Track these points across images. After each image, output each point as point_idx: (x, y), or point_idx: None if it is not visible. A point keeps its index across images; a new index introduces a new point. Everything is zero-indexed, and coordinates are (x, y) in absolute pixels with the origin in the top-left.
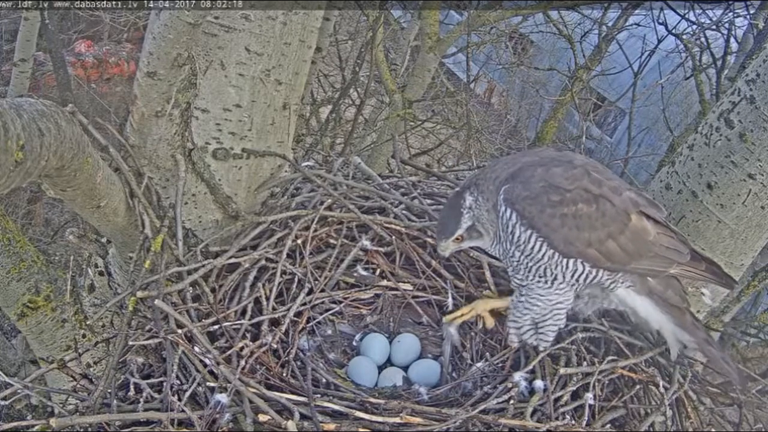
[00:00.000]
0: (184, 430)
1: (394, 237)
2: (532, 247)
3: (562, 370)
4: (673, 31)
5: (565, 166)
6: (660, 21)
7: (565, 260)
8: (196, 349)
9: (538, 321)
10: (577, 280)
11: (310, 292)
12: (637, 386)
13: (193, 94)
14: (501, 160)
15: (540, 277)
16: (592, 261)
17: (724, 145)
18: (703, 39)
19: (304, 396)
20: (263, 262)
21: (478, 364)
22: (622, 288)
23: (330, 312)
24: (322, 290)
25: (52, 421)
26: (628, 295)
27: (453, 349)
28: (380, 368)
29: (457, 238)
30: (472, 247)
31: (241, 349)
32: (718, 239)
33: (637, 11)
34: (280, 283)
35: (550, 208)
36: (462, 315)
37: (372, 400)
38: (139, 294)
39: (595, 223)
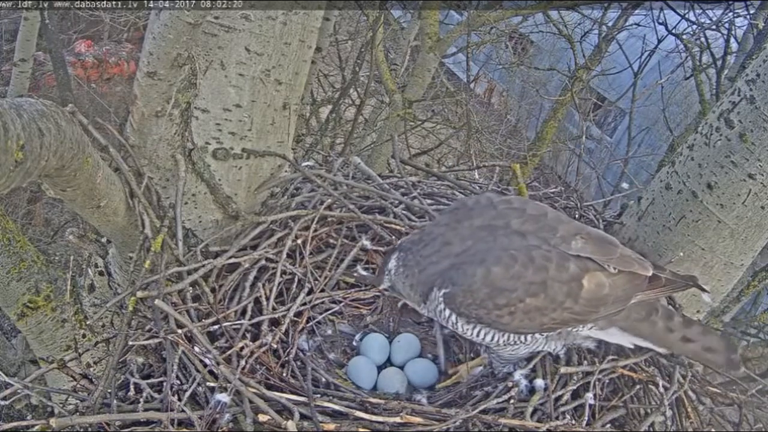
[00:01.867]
0: (184, 430)
1: (394, 237)
2: (483, 336)
3: (562, 369)
4: (673, 31)
5: (505, 257)
6: (660, 21)
7: (521, 336)
8: (196, 349)
9: (515, 361)
10: (536, 342)
11: (310, 292)
12: (637, 386)
13: (193, 94)
14: (431, 232)
15: (496, 345)
16: (551, 330)
17: (724, 145)
18: (703, 39)
19: (304, 396)
20: (263, 262)
21: (478, 369)
22: (586, 330)
23: (330, 312)
24: (322, 290)
25: (52, 421)
26: (593, 332)
27: (446, 348)
28: (380, 368)
29: (385, 290)
30: None
31: (241, 349)
32: (718, 239)
33: (637, 11)
34: (280, 283)
35: (497, 310)
36: (451, 380)
37: (372, 400)
38: (139, 294)
39: (545, 309)
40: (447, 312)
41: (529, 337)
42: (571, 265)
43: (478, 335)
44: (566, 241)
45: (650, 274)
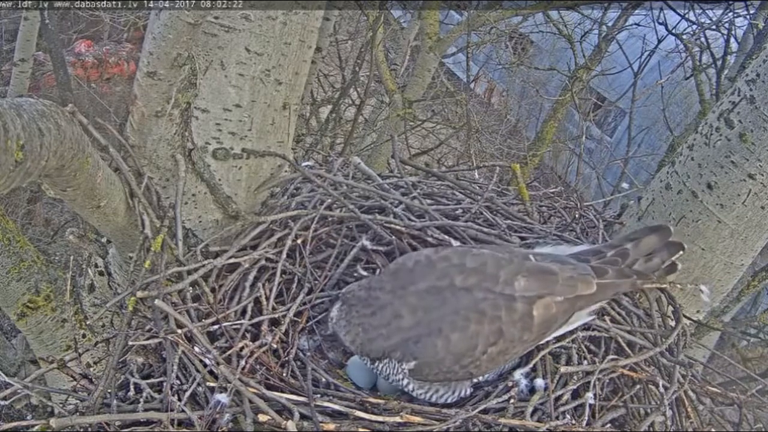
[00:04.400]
0: (184, 430)
1: (394, 237)
2: (451, 392)
3: (562, 369)
4: (673, 31)
5: (459, 323)
6: (660, 21)
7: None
8: (196, 349)
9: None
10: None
11: (310, 291)
12: (637, 386)
13: (193, 94)
14: (378, 298)
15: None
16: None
17: (724, 145)
18: (703, 39)
19: (304, 396)
20: (263, 262)
21: None
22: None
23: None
24: (322, 290)
25: (52, 421)
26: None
27: None
28: None
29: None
30: None
31: (241, 349)
32: (718, 239)
33: (637, 11)
34: (280, 282)
35: (463, 369)
36: None
37: (372, 399)
38: (139, 294)
39: (506, 350)
40: (411, 384)
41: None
42: (518, 305)
43: (444, 394)
44: (509, 284)
45: (594, 290)
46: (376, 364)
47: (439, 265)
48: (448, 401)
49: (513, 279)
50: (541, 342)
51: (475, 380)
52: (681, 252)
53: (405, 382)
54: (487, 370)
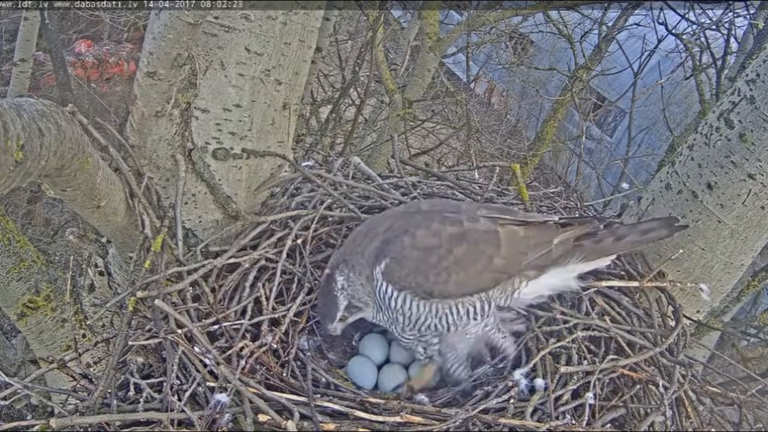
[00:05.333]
0: (184, 430)
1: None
2: (432, 318)
3: (562, 369)
4: (673, 31)
5: (423, 222)
6: (660, 21)
7: (464, 300)
8: (196, 349)
9: (466, 356)
10: (483, 313)
11: (310, 291)
12: (637, 386)
13: (193, 94)
14: (359, 232)
15: (447, 328)
16: (492, 284)
17: (724, 145)
18: (703, 39)
19: (304, 396)
20: (263, 262)
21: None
22: (524, 286)
23: None
24: None
25: (52, 421)
26: (532, 285)
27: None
28: (380, 367)
29: (341, 318)
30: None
31: (241, 349)
32: (718, 239)
33: (637, 11)
34: (280, 282)
35: (434, 269)
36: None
37: (372, 399)
38: (139, 294)
39: (474, 255)
40: (389, 290)
41: (476, 305)
42: (482, 220)
43: (425, 318)
44: (472, 212)
45: (555, 219)
46: (375, 291)
47: (408, 203)
48: (443, 322)
49: (475, 209)
50: (520, 284)
51: (451, 316)
52: (684, 229)
53: (389, 292)
54: (459, 287)
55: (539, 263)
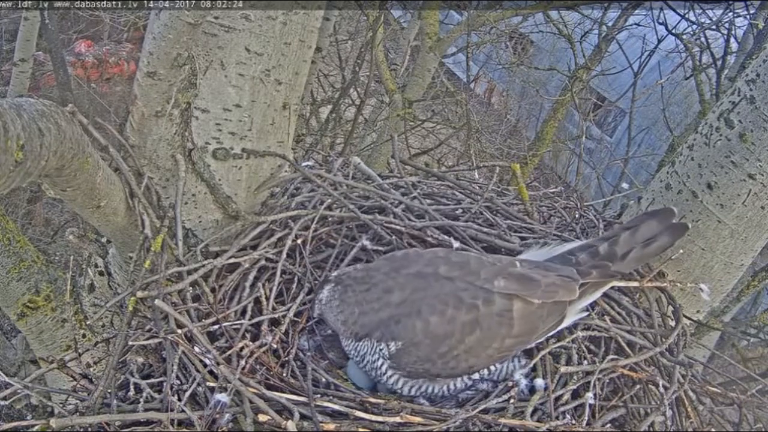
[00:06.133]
0: (184, 430)
1: (394, 237)
2: (429, 385)
3: (562, 369)
4: (673, 31)
5: (438, 305)
6: (660, 21)
7: (469, 375)
8: (196, 349)
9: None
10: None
11: (310, 291)
12: (637, 386)
13: (193, 94)
14: (373, 277)
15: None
16: (499, 359)
17: (724, 145)
18: (703, 39)
19: (304, 396)
20: (263, 262)
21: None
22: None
23: None
24: None
25: (52, 421)
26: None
27: None
28: None
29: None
30: None
31: (241, 349)
32: (718, 239)
33: (637, 11)
34: (280, 282)
35: (443, 358)
36: None
37: (372, 399)
38: (139, 294)
39: (486, 341)
40: (389, 371)
41: (477, 377)
42: (497, 298)
43: (418, 389)
44: (489, 282)
45: (576, 296)
46: (357, 346)
47: (427, 255)
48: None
49: (493, 278)
50: (530, 344)
51: (460, 386)
52: (686, 232)
53: (387, 373)
54: (468, 368)
55: (548, 331)
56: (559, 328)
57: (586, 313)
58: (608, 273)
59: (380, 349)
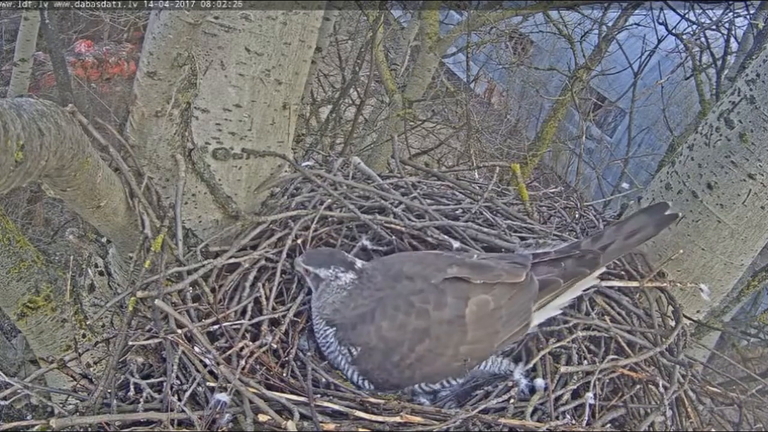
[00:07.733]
0: (184, 430)
1: (394, 237)
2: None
3: (562, 369)
4: (673, 31)
5: (389, 310)
6: (660, 21)
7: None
8: (196, 349)
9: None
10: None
11: (310, 291)
12: (637, 386)
13: (193, 94)
14: (370, 279)
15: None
16: (461, 369)
17: (724, 145)
18: (703, 39)
19: (304, 396)
20: (263, 262)
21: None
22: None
23: None
24: None
25: (52, 421)
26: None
27: None
28: None
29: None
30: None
31: (241, 349)
32: (718, 239)
33: (637, 11)
34: (280, 282)
35: (397, 368)
36: None
37: (372, 399)
38: (139, 294)
39: (438, 350)
40: (355, 374)
41: (445, 383)
42: (449, 298)
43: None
44: (443, 271)
45: (522, 279)
46: (325, 334)
47: (414, 255)
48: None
49: (446, 266)
50: (495, 350)
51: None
52: (672, 222)
53: (350, 373)
54: (425, 377)
55: (520, 333)
56: (532, 326)
57: (560, 311)
58: (583, 263)
59: (344, 352)
